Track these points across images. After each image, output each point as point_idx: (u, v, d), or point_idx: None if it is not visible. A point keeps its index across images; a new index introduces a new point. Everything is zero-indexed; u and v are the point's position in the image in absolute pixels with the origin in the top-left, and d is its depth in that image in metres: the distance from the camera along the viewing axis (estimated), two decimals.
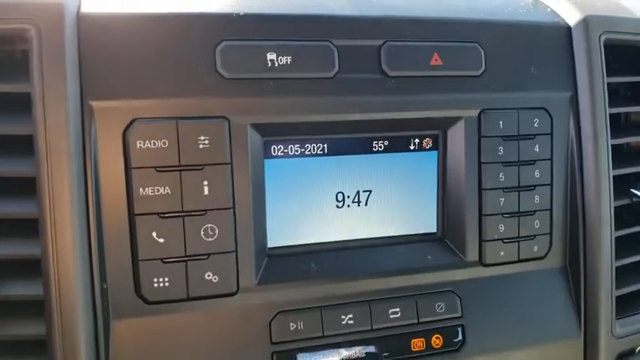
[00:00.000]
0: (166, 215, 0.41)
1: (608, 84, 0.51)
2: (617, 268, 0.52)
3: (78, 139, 0.39)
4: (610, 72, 0.51)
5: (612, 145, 0.51)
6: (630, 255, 0.53)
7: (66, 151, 0.38)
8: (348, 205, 0.48)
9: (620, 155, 0.53)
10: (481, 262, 0.49)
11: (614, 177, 0.51)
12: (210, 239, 0.42)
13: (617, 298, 0.52)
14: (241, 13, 0.42)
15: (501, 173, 0.48)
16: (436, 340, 0.47)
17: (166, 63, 0.40)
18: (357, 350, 0.45)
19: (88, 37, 0.39)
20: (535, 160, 0.49)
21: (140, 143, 0.40)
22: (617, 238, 0.52)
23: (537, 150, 0.49)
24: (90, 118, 0.39)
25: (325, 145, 0.47)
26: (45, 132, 0.38)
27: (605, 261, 0.51)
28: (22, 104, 0.39)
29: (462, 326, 0.48)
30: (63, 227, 0.38)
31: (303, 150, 0.46)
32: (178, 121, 0.41)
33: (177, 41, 0.41)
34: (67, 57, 0.38)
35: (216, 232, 0.42)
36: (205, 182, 0.41)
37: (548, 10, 0.52)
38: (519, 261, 0.50)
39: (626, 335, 0.53)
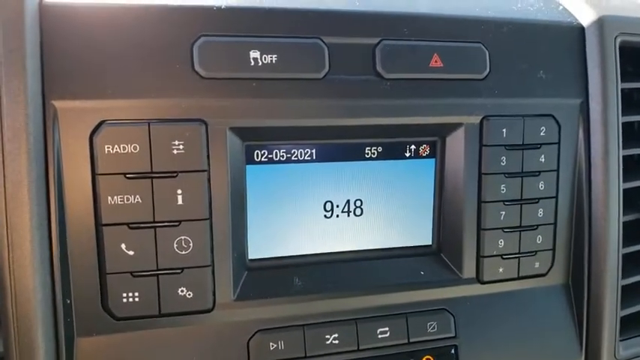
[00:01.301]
0: (136, 226, 0.38)
1: (622, 90, 0.47)
2: (622, 287, 0.49)
3: (39, 142, 0.35)
4: (624, 76, 0.47)
5: (623, 156, 0.47)
6: (637, 273, 0.50)
7: (25, 154, 0.35)
8: (337, 215, 0.45)
9: (630, 166, 0.49)
10: (478, 279, 0.46)
11: (623, 190, 0.48)
12: (184, 252, 0.39)
13: (622, 318, 0.49)
14: (222, 6, 0.38)
15: (503, 185, 0.45)
16: None
17: (138, 60, 0.37)
18: None
19: (51, 30, 0.36)
20: (540, 172, 0.46)
21: (108, 148, 0.37)
22: (625, 256, 0.49)
23: (543, 160, 0.46)
24: (53, 119, 0.36)
25: (313, 151, 0.43)
26: (1, 133, 0.34)
27: (611, 279, 0.48)
28: None
29: (456, 347, 0.45)
30: (21, 236, 0.35)
31: (289, 155, 0.43)
32: (150, 123, 0.37)
33: (151, 36, 0.37)
34: (27, 51, 0.35)
35: (191, 244, 0.39)
36: (179, 191, 0.38)
37: (560, 8, 0.48)
38: (519, 278, 0.47)
39: (629, 358, 0.50)
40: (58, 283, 0.37)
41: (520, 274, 0.47)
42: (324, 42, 0.40)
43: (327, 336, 0.42)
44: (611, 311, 0.48)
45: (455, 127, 0.44)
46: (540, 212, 0.47)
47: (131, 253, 0.38)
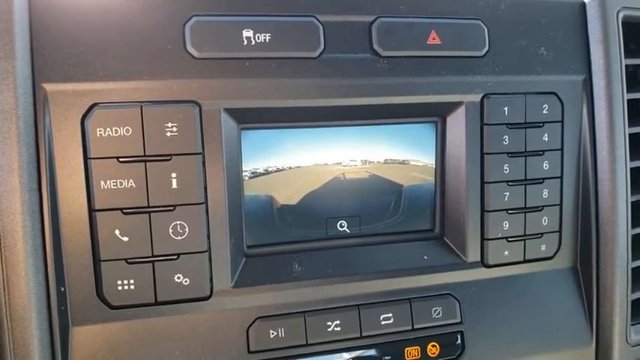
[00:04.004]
0: (130, 211, 0.37)
1: (626, 66, 0.46)
2: (632, 269, 0.47)
3: (29, 126, 0.35)
4: (628, 53, 0.46)
5: (630, 134, 0.46)
6: None
7: (15, 138, 0.34)
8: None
9: (638, 145, 0.48)
10: (483, 263, 0.45)
11: (631, 169, 0.46)
12: (179, 238, 0.38)
13: (633, 302, 0.48)
14: None
15: (506, 165, 0.44)
16: (432, 349, 0.43)
17: (130, 41, 0.36)
18: None
19: (41, 11, 0.35)
20: (544, 151, 0.45)
21: (100, 131, 0.36)
22: (634, 237, 0.47)
23: (546, 139, 0.45)
24: (43, 102, 0.35)
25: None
26: None
27: (620, 261, 0.47)
28: None
29: (462, 333, 0.44)
30: (12, 223, 0.34)
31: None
32: (143, 106, 0.36)
33: (142, 17, 0.36)
34: (16, 32, 0.34)
35: (187, 229, 0.38)
36: (173, 174, 0.37)
37: None
38: (525, 261, 0.46)
39: None
40: (52, 270, 0.36)
41: (526, 257, 0.46)
42: (319, 20, 0.39)
43: (329, 323, 0.41)
44: (621, 295, 0.47)
45: (455, 106, 0.43)
46: (545, 193, 0.45)
47: (125, 239, 0.37)
